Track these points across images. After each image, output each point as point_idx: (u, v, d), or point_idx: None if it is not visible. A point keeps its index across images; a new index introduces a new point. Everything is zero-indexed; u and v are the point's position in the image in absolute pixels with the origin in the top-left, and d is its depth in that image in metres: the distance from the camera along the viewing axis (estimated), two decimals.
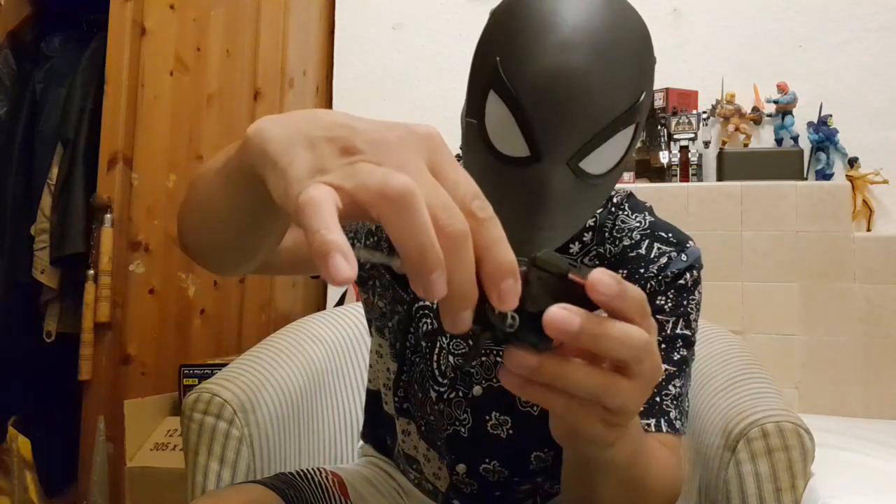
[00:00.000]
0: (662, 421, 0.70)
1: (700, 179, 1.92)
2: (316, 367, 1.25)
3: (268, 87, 1.90)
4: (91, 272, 1.82)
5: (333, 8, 2.24)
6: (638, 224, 0.78)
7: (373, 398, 0.94)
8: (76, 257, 1.88)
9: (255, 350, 1.14)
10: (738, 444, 0.87)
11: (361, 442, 0.99)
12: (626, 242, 0.77)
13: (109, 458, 1.80)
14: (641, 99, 0.63)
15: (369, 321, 0.90)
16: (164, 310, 1.88)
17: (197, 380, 1.69)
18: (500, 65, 0.62)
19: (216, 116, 1.91)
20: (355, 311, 1.35)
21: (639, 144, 1.47)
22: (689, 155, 1.90)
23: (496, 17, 0.66)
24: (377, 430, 0.94)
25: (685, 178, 1.89)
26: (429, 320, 0.80)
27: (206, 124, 1.92)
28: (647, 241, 0.77)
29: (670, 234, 0.77)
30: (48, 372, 1.98)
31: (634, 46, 0.62)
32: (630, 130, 0.64)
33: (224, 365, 1.16)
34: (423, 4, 2.19)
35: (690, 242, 0.77)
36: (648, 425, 0.70)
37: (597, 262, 0.77)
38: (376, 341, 0.88)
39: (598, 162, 0.63)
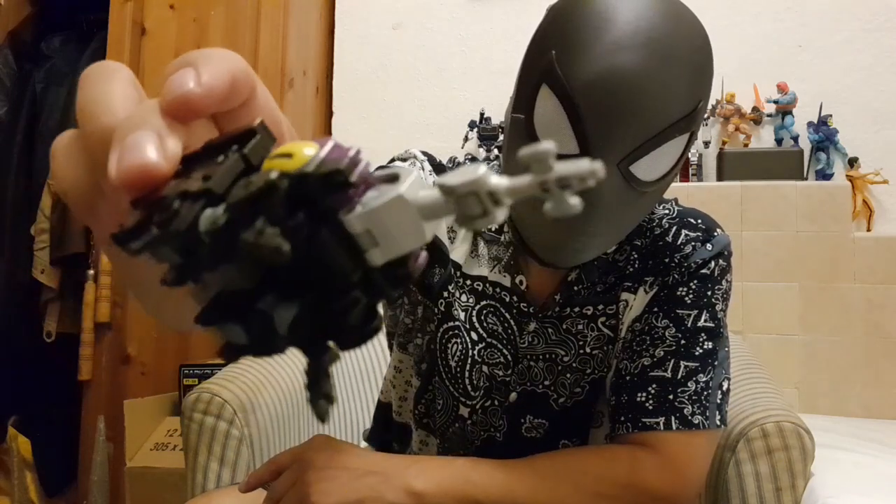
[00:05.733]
0: (673, 419, 0.70)
1: (700, 179, 1.91)
2: None
3: (268, 87, 1.88)
4: (91, 272, 1.82)
5: (333, 8, 2.24)
6: (666, 212, 0.77)
7: (383, 408, 0.94)
8: (76, 257, 1.88)
9: None
10: (738, 443, 0.87)
11: (365, 444, 0.99)
12: (657, 231, 0.76)
13: (109, 458, 1.80)
14: (698, 107, 0.62)
15: (390, 335, 0.89)
16: None
17: (197, 380, 1.69)
18: (555, 59, 0.61)
19: None
20: None
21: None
22: (689, 155, 1.90)
23: (555, 11, 0.65)
24: (384, 435, 0.94)
25: (685, 178, 1.89)
26: (458, 340, 0.79)
27: None
28: (675, 228, 0.75)
29: (699, 221, 0.76)
30: (48, 372, 1.97)
31: (694, 53, 0.61)
32: (684, 139, 0.63)
33: (224, 365, 1.16)
34: (423, 4, 2.19)
35: (718, 230, 0.76)
36: (657, 423, 0.70)
37: (634, 256, 0.76)
38: (397, 357, 0.87)
39: (648, 168, 0.62)
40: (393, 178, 0.19)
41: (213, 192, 0.18)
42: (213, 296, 0.19)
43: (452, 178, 0.18)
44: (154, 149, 0.19)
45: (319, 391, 0.19)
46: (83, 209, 0.23)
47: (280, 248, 0.17)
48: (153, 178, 0.19)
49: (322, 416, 0.20)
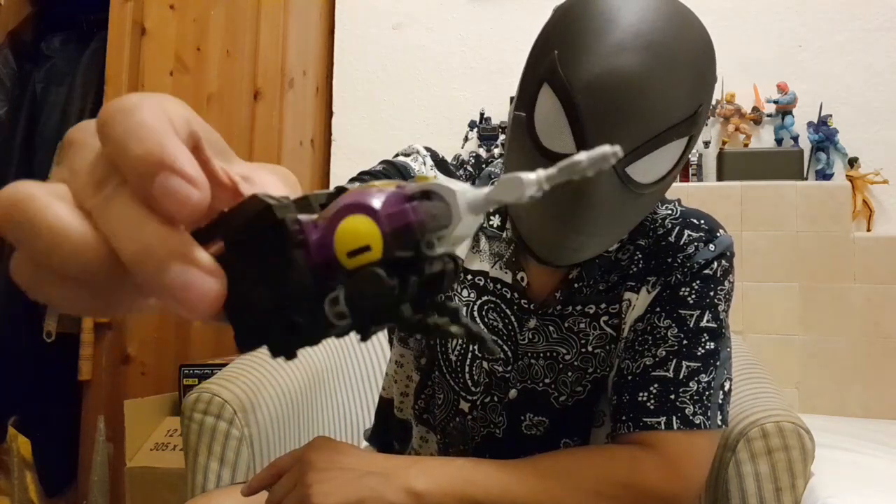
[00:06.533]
0: (674, 418, 0.70)
1: (700, 179, 1.91)
2: (316, 367, 1.25)
3: (268, 87, 1.90)
4: None
5: (333, 8, 2.24)
6: (669, 212, 0.78)
7: (385, 404, 0.94)
8: None
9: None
10: (738, 444, 0.87)
11: (366, 444, 0.99)
12: (660, 232, 0.77)
13: (109, 458, 1.80)
14: (698, 111, 0.62)
15: (390, 329, 0.89)
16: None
17: (197, 380, 1.69)
18: (557, 58, 0.61)
19: (216, 117, 1.91)
20: None
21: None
22: (689, 155, 1.89)
23: (559, 12, 0.65)
24: (385, 434, 0.94)
25: (685, 178, 1.89)
26: None
27: None
28: (677, 229, 0.76)
29: (702, 221, 0.77)
30: (48, 372, 1.97)
31: (696, 57, 0.61)
32: (682, 143, 0.63)
33: (224, 365, 1.16)
34: (423, 4, 2.19)
35: (721, 231, 0.76)
36: (658, 423, 0.71)
37: (638, 256, 0.77)
38: (398, 351, 0.87)
39: (646, 170, 0.62)
40: (427, 195, 0.22)
41: (312, 301, 0.22)
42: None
43: (501, 195, 0.21)
44: (205, 283, 0.20)
45: (478, 347, 0.26)
46: (103, 313, 0.23)
47: (454, 334, 0.24)
48: (219, 302, 0.21)
49: (493, 352, 0.26)
